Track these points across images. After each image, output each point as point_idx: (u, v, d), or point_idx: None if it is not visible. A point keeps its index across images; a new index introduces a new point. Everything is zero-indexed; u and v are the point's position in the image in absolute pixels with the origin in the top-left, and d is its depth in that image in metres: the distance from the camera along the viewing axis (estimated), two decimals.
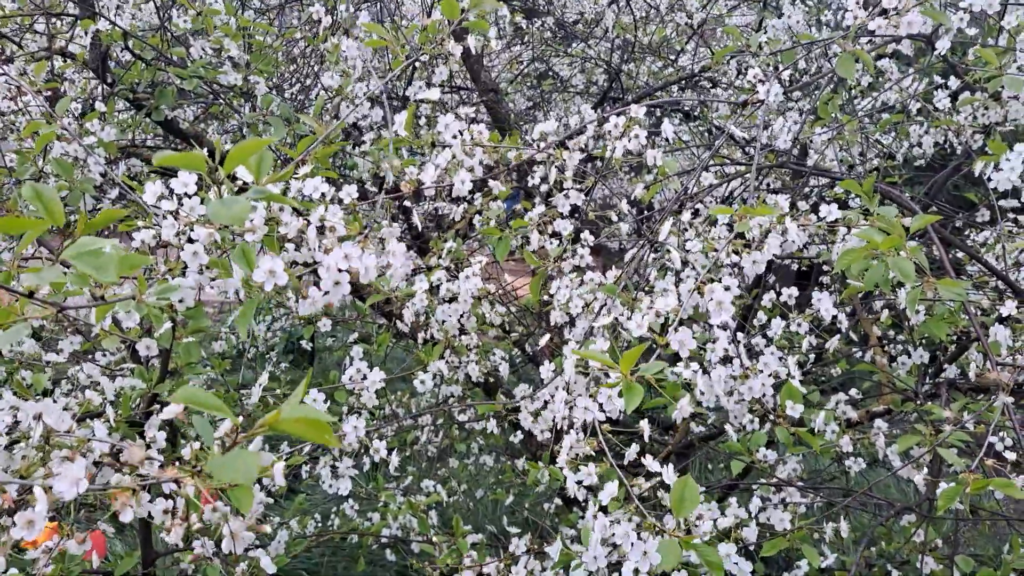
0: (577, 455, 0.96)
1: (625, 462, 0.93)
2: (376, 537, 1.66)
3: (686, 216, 1.18)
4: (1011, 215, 1.79)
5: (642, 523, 0.83)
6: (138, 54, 1.62)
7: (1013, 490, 0.92)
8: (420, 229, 1.86)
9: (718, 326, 0.93)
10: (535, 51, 3.42)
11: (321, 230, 0.95)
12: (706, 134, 3.17)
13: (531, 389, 1.59)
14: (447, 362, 1.67)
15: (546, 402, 1.33)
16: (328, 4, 1.68)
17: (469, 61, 2.50)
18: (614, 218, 1.38)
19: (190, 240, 0.90)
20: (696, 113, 3.16)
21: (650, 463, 0.89)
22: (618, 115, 1.15)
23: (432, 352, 1.69)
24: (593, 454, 0.97)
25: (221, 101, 1.75)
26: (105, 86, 1.74)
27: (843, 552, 1.44)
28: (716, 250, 0.99)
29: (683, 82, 2.71)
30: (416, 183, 1.11)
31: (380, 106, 1.52)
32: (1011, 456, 0.99)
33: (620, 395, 0.85)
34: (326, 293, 0.81)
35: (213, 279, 0.96)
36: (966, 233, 2.14)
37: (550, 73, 3.67)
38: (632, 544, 0.80)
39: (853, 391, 1.60)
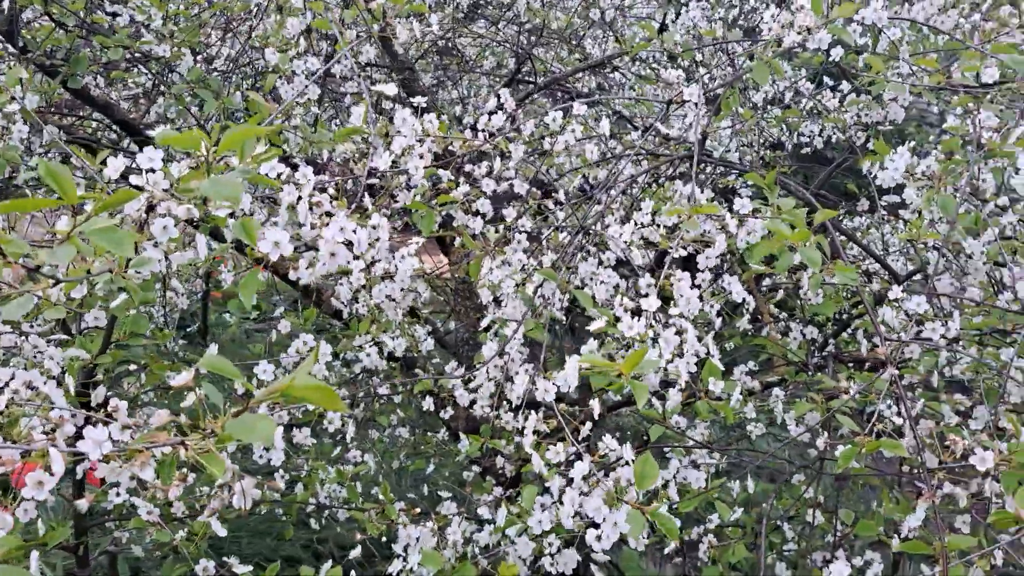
0: (538, 432, 1.04)
1: (580, 438, 1.03)
2: (303, 505, 1.70)
3: (615, 211, 1.27)
4: (885, 208, 1.99)
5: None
6: (58, 20, 1.57)
7: (900, 450, 1.07)
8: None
9: (681, 315, 1.03)
10: (444, 29, 3.45)
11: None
12: (606, 119, 3.30)
13: (460, 367, 1.67)
14: (375, 332, 1.73)
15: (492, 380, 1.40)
16: None
17: (386, 41, 2.52)
18: (553, 206, 1.46)
19: (158, 214, 0.92)
20: (598, 98, 3.29)
21: (610, 443, 0.99)
22: (558, 110, 1.23)
23: (360, 326, 1.73)
24: (549, 431, 1.06)
25: (147, 72, 1.72)
26: (15, 51, 1.68)
27: (743, 508, 1.59)
28: (671, 247, 1.09)
29: (590, 69, 2.81)
30: (368, 168, 1.16)
31: (318, 84, 1.54)
32: (898, 421, 1.14)
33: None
34: (323, 264, 0.86)
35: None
36: (843, 220, 2.36)
37: (454, 51, 3.70)
38: (605, 516, 0.89)
39: (751, 363, 1.76)
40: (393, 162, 1.14)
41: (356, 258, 1.19)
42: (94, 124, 2.42)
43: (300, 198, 1.02)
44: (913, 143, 2.54)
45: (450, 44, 3.64)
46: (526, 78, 3.29)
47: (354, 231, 0.99)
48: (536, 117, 1.31)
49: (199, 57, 1.62)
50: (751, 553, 1.63)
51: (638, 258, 1.17)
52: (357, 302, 1.67)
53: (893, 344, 1.22)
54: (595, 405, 1.13)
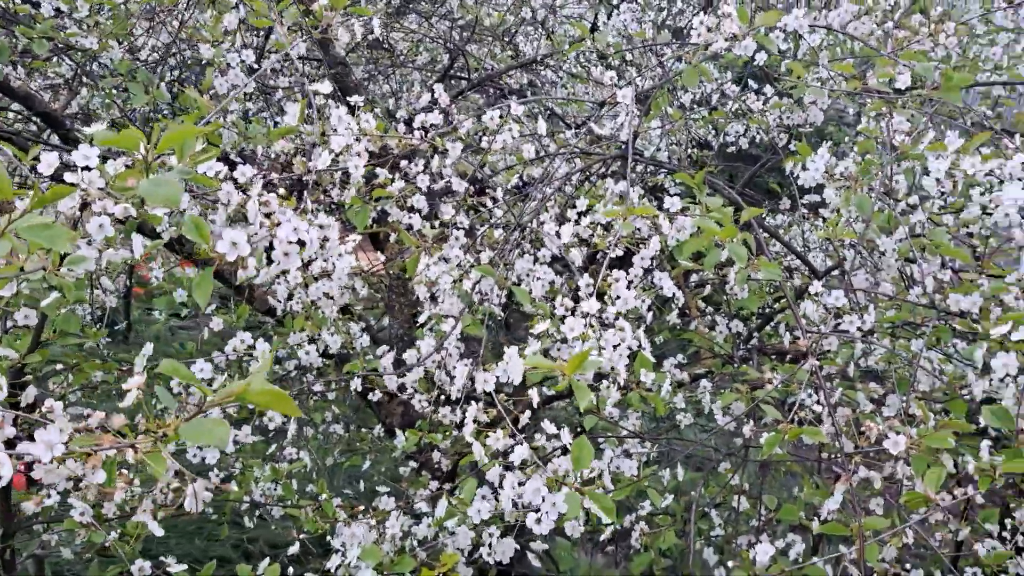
0: (478, 422, 1.07)
1: (519, 427, 1.05)
2: (239, 503, 1.69)
3: (552, 211, 1.30)
4: (805, 206, 2.08)
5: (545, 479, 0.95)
6: None
7: (820, 437, 1.13)
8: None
9: (618, 315, 1.06)
10: (376, 22, 3.43)
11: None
12: (542, 119, 3.34)
13: (391, 351, 1.67)
14: (308, 329, 1.72)
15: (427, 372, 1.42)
16: None
17: (324, 41, 2.50)
18: (489, 204, 1.48)
19: (93, 212, 0.91)
20: (529, 95, 3.32)
21: (549, 427, 1.02)
22: (495, 110, 1.26)
23: (294, 323, 1.73)
24: (489, 421, 1.08)
25: (70, 62, 1.67)
26: None
27: (674, 496, 1.65)
28: (608, 248, 1.12)
29: (524, 67, 2.84)
30: (306, 167, 1.16)
31: (256, 81, 1.52)
32: (818, 409, 1.21)
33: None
34: (277, 263, 0.86)
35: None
36: (766, 218, 2.45)
37: (385, 46, 3.68)
38: (544, 498, 0.92)
39: (680, 356, 1.81)
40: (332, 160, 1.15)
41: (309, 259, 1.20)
42: (11, 115, 2.33)
43: (249, 197, 1.02)
44: (831, 142, 2.65)
45: (382, 38, 3.63)
46: (459, 74, 3.30)
47: (307, 231, 1.00)
48: (471, 114, 1.34)
49: (123, 46, 1.58)
50: (680, 540, 1.69)
51: (577, 259, 1.20)
52: (291, 299, 1.66)
53: (813, 336, 1.28)
54: (533, 395, 1.17)
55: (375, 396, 1.64)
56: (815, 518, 1.29)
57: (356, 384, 1.57)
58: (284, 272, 1.50)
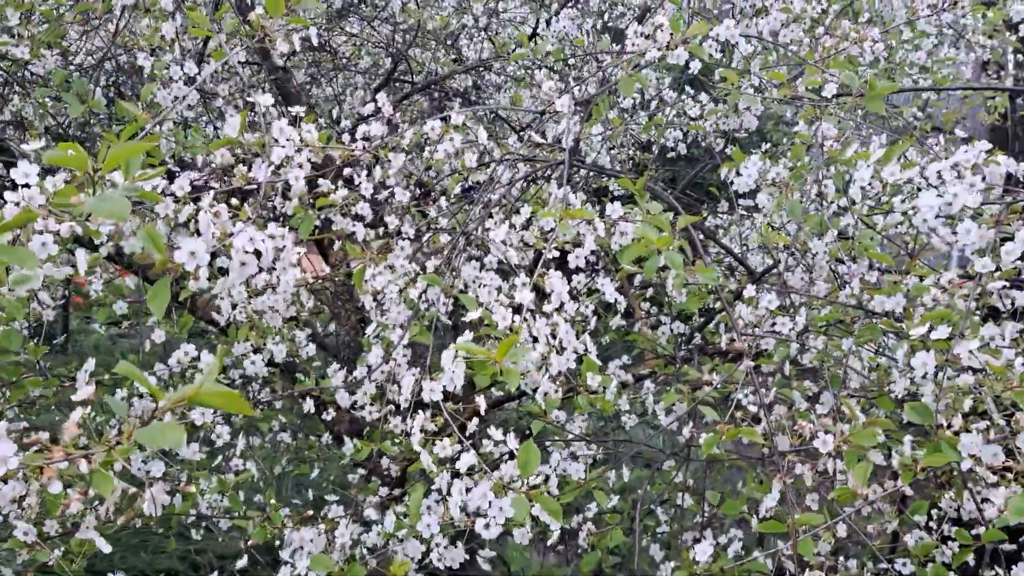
0: (426, 431, 1.08)
1: (467, 434, 1.07)
2: (186, 516, 1.67)
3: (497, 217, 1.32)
4: (742, 209, 2.14)
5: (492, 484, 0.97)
6: None
7: (756, 436, 1.18)
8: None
9: (554, 309, 1.09)
10: (317, 27, 3.41)
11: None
12: (484, 119, 3.36)
13: (342, 370, 1.67)
14: (253, 339, 1.72)
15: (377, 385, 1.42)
16: None
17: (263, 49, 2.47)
18: (432, 212, 1.50)
19: (35, 230, 0.90)
20: (472, 99, 3.34)
21: (495, 433, 1.04)
22: (437, 119, 1.27)
23: (239, 333, 1.72)
24: (436, 429, 1.10)
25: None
26: None
27: (621, 495, 1.69)
28: (544, 248, 1.15)
29: (467, 72, 2.86)
30: (247, 179, 1.16)
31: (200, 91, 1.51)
32: (753, 409, 1.25)
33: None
34: (234, 275, 0.87)
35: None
36: (706, 219, 2.51)
37: (327, 49, 3.66)
38: (491, 502, 0.94)
39: (625, 357, 1.85)
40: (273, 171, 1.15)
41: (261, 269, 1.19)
42: None
43: (200, 209, 1.02)
44: (770, 143, 2.71)
45: (324, 41, 3.60)
46: (402, 78, 3.30)
47: (263, 240, 1.00)
48: (414, 121, 1.35)
49: (54, 53, 1.55)
50: (627, 538, 1.73)
51: (515, 257, 1.22)
52: (235, 309, 1.65)
53: (749, 337, 1.33)
54: (480, 401, 1.18)
55: (328, 414, 1.64)
56: (756, 514, 1.33)
57: (309, 405, 1.57)
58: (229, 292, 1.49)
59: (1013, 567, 1.26)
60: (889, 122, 3.17)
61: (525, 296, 1.02)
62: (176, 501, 1.79)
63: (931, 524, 1.40)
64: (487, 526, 1.03)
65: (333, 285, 2.42)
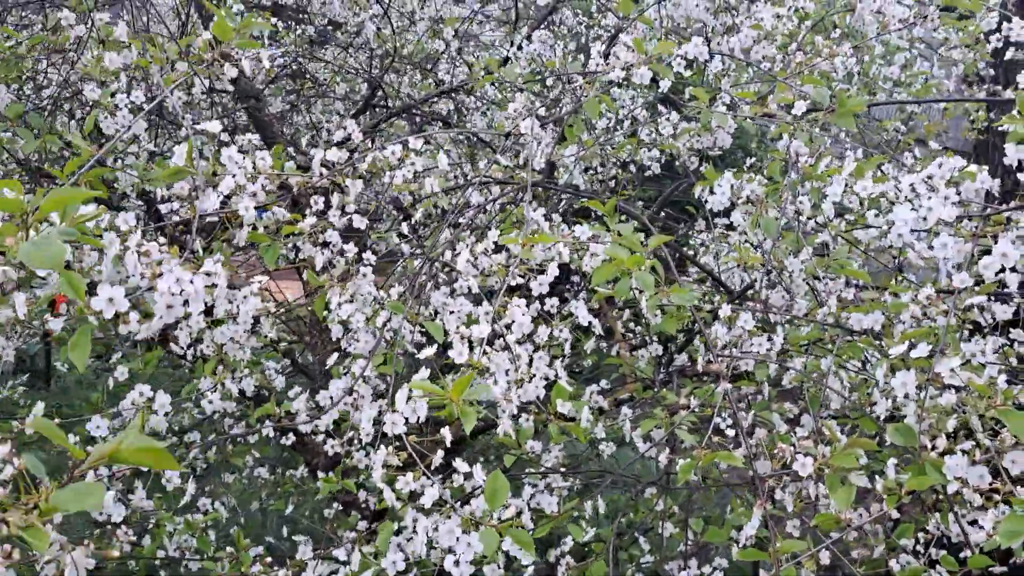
0: (389, 466, 1.04)
1: (432, 467, 1.03)
2: (152, 560, 1.61)
3: (467, 242, 1.29)
4: (721, 227, 2.11)
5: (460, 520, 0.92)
6: None
7: (734, 460, 1.13)
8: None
9: (516, 342, 1.05)
10: (292, 55, 3.39)
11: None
12: (465, 142, 3.34)
13: (304, 392, 1.62)
14: (219, 377, 1.66)
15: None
16: (78, 10, 1.60)
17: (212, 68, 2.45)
18: (396, 239, 1.46)
19: None
20: (453, 122, 3.32)
21: (461, 465, 0.99)
22: (398, 143, 1.24)
23: (205, 368, 1.67)
24: (401, 464, 1.05)
25: None
26: None
27: (599, 526, 1.63)
28: (506, 275, 1.11)
29: (443, 95, 2.84)
30: (195, 209, 1.12)
31: (147, 120, 1.48)
32: (731, 432, 1.21)
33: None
34: (160, 317, 0.83)
35: None
36: (688, 237, 2.48)
37: (306, 75, 3.64)
38: (458, 538, 0.90)
39: (603, 382, 1.81)
40: (227, 201, 1.11)
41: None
42: None
43: (127, 248, 0.98)
44: (754, 159, 2.69)
45: (302, 69, 3.58)
46: (382, 104, 3.28)
47: (191, 281, 0.96)
48: (389, 143, 1.30)
49: (11, 90, 1.52)
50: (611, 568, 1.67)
51: (474, 285, 1.19)
52: (201, 342, 1.60)
53: (724, 359, 1.29)
54: (446, 433, 1.14)
55: (288, 440, 1.59)
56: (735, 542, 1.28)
57: (268, 430, 1.52)
58: (186, 316, 1.45)
59: None
60: (872, 137, 3.16)
61: (483, 330, 0.98)
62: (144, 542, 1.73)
63: (918, 548, 1.36)
64: (456, 563, 0.98)
65: (309, 313, 2.38)
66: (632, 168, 2.36)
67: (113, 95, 1.33)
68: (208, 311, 1.47)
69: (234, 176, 1.09)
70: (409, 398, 0.94)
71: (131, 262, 0.87)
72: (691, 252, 2.35)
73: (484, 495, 0.97)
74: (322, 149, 1.24)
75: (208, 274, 0.94)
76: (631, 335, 2.20)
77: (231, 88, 2.13)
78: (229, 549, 1.49)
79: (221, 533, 1.84)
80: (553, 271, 1.15)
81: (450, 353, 0.96)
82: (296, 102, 3.67)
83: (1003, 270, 1.08)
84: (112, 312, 0.83)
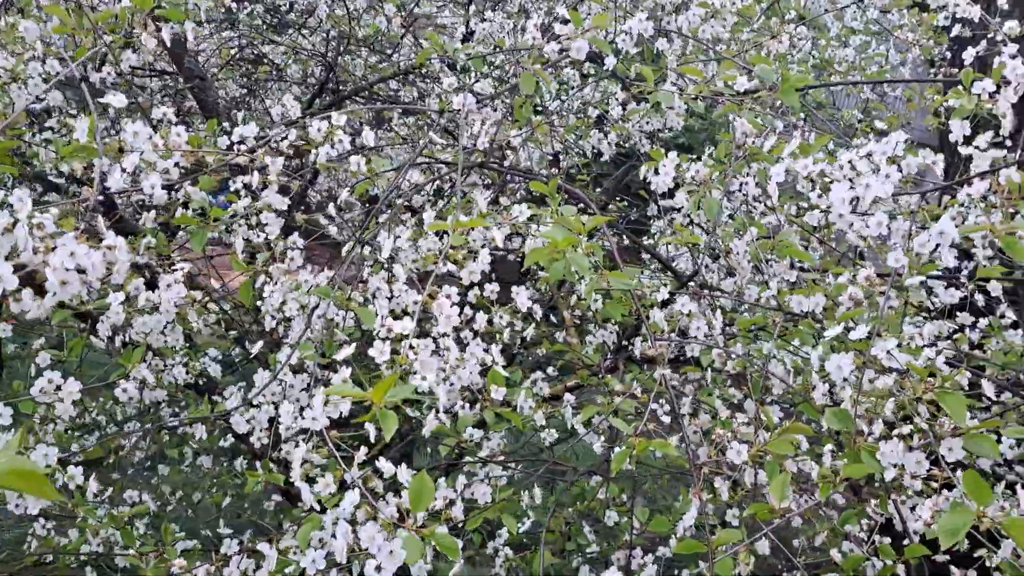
0: (308, 464, 0.98)
1: (356, 464, 0.97)
2: (76, 555, 1.55)
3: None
4: (667, 210, 2.07)
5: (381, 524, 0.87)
6: None
7: (669, 448, 1.09)
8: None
9: (443, 335, 1.00)
10: (245, 38, 3.30)
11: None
12: (425, 127, 3.27)
13: (241, 391, 1.57)
14: (151, 366, 1.60)
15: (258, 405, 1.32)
16: None
17: (173, 47, 2.37)
18: (323, 220, 1.40)
19: None
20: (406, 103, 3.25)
21: (385, 466, 0.94)
22: (322, 120, 1.18)
23: (132, 356, 1.60)
24: (324, 462, 1.00)
25: None
26: None
27: (545, 515, 1.60)
28: (436, 262, 1.06)
29: (399, 77, 2.78)
30: (100, 187, 1.06)
31: (62, 91, 1.40)
32: (666, 420, 1.17)
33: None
34: (53, 294, 0.77)
35: None
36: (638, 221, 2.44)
37: (264, 60, 3.55)
38: (379, 546, 0.84)
39: (551, 369, 1.77)
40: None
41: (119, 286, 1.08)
42: None
43: (16, 221, 0.91)
44: (716, 145, 2.64)
45: (257, 53, 3.49)
46: (337, 86, 3.20)
47: (87, 254, 0.90)
48: (311, 123, 1.25)
49: None
50: (556, 558, 1.64)
51: (402, 275, 1.14)
52: (116, 333, 1.53)
53: (663, 344, 1.25)
54: (370, 429, 1.09)
55: (226, 441, 1.53)
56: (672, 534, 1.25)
57: (201, 432, 1.46)
58: (105, 308, 1.38)
59: None
60: (829, 124, 3.15)
61: (406, 326, 0.92)
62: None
63: (862, 535, 1.33)
64: (378, 569, 0.93)
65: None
66: (588, 151, 2.32)
67: (26, 64, 1.26)
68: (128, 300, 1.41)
69: (142, 153, 1.03)
70: (326, 403, 0.89)
71: (21, 235, 0.81)
72: (648, 240, 2.32)
73: (408, 498, 0.92)
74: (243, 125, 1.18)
75: (110, 248, 0.88)
76: (582, 322, 2.16)
77: (177, 71, 2.05)
78: (155, 545, 1.43)
79: (155, 527, 1.78)
80: (485, 258, 1.10)
81: (370, 352, 0.91)
82: (251, 86, 3.58)
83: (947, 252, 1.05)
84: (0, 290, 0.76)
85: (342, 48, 3.10)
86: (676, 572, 1.55)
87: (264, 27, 3.32)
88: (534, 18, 1.23)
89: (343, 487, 1.09)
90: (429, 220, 1.39)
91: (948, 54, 2.60)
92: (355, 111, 1.78)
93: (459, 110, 1.31)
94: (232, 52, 3.52)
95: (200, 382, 1.82)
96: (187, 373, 1.61)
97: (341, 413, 1.03)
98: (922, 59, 2.61)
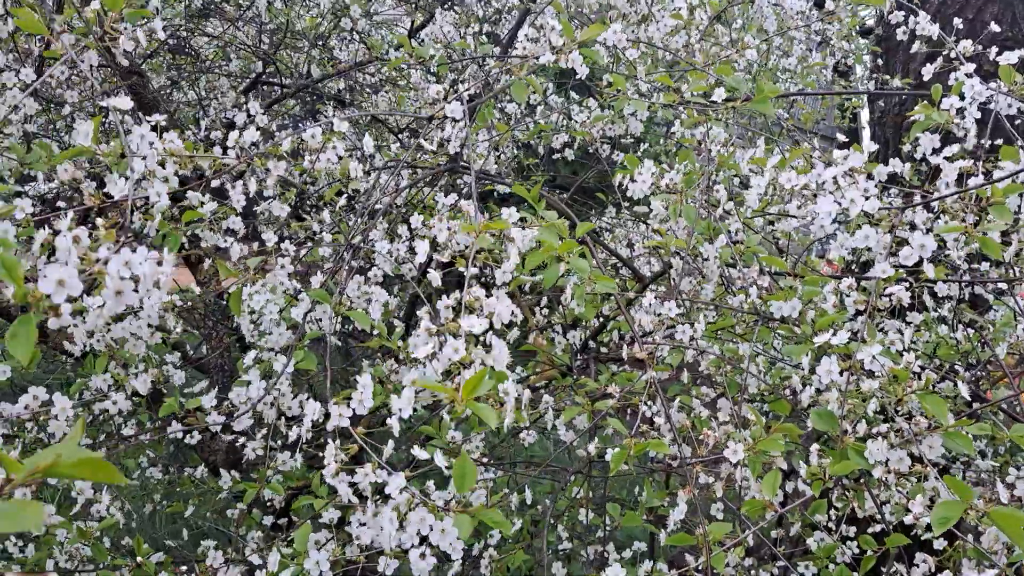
0: (341, 459, 0.99)
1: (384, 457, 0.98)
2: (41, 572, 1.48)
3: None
4: (632, 214, 2.13)
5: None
6: None
7: (665, 448, 1.14)
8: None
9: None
10: (174, 28, 3.19)
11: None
12: (368, 136, 3.23)
13: (213, 389, 1.53)
14: (113, 375, 1.55)
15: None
16: None
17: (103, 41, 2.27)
18: (316, 227, 1.39)
19: None
20: (347, 101, 3.21)
21: (420, 453, 0.96)
22: (320, 127, 1.17)
23: (97, 365, 1.54)
24: (346, 459, 1.00)
25: None
26: None
27: (523, 516, 1.63)
28: (467, 264, 1.07)
29: (342, 75, 2.74)
30: (102, 197, 1.03)
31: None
32: (658, 421, 1.22)
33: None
34: (103, 305, 0.74)
35: None
36: (595, 222, 2.50)
37: (188, 51, 3.43)
38: (431, 526, 0.87)
39: (519, 368, 1.80)
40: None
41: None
42: None
43: (58, 232, 0.88)
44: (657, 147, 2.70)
45: (183, 43, 3.37)
46: (271, 80, 3.13)
47: (142, 263, 0.87)
48: (286, 126, 1.24)
49: None
50: (529, 556, 1.67)
51: (436, 280, 1.14)
52: (91, 337, 1.48)
53: (649, 346, 1.29)
54: (393, 424, 1.09)
55: (193, 438, 1.49)
56: (663, 528, 1.30)
57: (175, 429, 1.42)
58: (82, 312, 1.33)
59: (915, 565, 1.28)
60: (757, 123, 3.29)
61: (474, 322, 0.93)
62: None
63: (830, 525, 1.42)
64: (423, 556, 0.95)
65: (204, 304, 2.25)
66: (540, 151, 2.35)
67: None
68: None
69: (144, 158, 1.00)
70: (417, 393, 0.90)
71: (64, 246, 0.77)
72: (603, 238, 2.37)
73: (453, 478, 0.93)
74: (220, 131, 1.16)
75: (160, 262, 0.86)
76: (545, 322, 2.20)
77: (112, 64, 1.97)
78: (129, 560, 1.39)
79: (115, 539, 1.72)
80: (515, 258, 1.12)
81: (444, 350, 0.91)
82: (177, 79, 3.46)
83: (922, 261, 1.13)
84: (63, 296, 0.73)
85: (278, 41, 3.04)
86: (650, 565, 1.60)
87: (195, 16, 3.21)
88: (525, 29, 1.25)
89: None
90: (417, 223, 1.40)
91: (876, 59, 2.76)
92: (349, 116, 1.74)
93: (447, 117, 1.31)
94: (158, 42, 3.39)
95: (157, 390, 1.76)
96: (150, 382, 1.56)
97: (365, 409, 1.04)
98: (842, 63, 2.76)
